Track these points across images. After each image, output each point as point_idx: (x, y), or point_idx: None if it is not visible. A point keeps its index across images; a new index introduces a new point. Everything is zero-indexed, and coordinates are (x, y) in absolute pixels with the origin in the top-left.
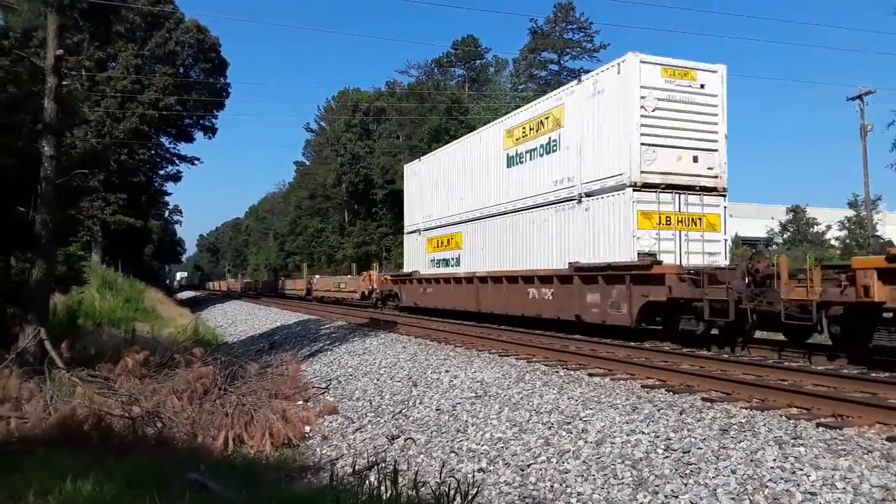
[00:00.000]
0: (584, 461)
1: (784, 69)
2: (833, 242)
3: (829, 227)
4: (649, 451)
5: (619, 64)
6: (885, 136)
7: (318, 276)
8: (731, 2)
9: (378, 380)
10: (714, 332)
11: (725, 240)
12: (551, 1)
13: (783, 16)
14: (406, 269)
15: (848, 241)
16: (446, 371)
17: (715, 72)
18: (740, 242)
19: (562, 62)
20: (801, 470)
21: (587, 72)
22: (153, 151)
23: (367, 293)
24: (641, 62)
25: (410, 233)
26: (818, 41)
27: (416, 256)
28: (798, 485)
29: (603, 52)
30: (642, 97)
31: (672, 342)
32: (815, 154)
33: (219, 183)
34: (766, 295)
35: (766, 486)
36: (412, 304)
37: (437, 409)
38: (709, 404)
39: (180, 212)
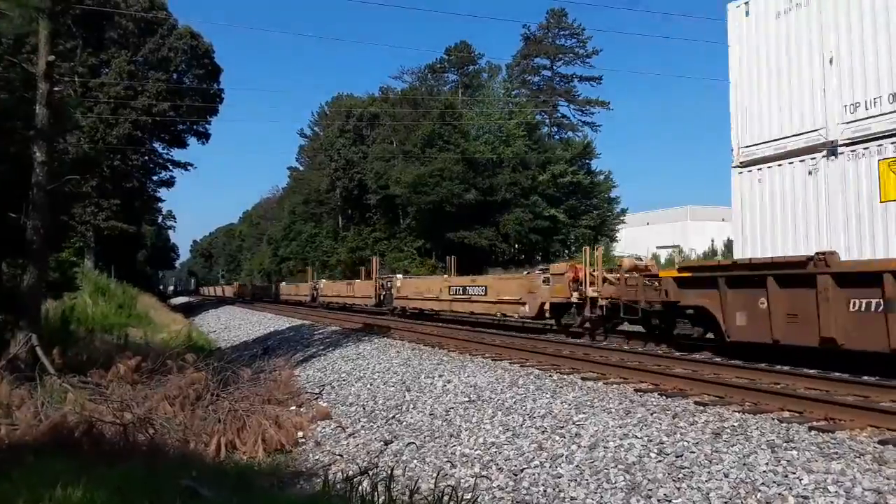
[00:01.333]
0: (577, 465)
1: None
2: None
3: None
4: (642, 456)
5: None
6: None
7: (400, 276)
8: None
9: (371, 385)
10: None
11: None
12: (544, 7)
13: None
14: (750, 248)
15: None
16: (440, 376)
17: None
18: (732, 246)
19: (554, 68)
20: (794, 473)
21: (580, 77)
22: (146, 157)
23: (546, 307)
24: None
25: (771, 160)
26: None
27: (811, 213)
28: (790, 488)
29: (595, 57)
30: None
31: None
32: None
33: (212, 188)
34: None
35: (759, 490)
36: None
37: (430, 414)
38: (702, 408)
39: (174, 217)
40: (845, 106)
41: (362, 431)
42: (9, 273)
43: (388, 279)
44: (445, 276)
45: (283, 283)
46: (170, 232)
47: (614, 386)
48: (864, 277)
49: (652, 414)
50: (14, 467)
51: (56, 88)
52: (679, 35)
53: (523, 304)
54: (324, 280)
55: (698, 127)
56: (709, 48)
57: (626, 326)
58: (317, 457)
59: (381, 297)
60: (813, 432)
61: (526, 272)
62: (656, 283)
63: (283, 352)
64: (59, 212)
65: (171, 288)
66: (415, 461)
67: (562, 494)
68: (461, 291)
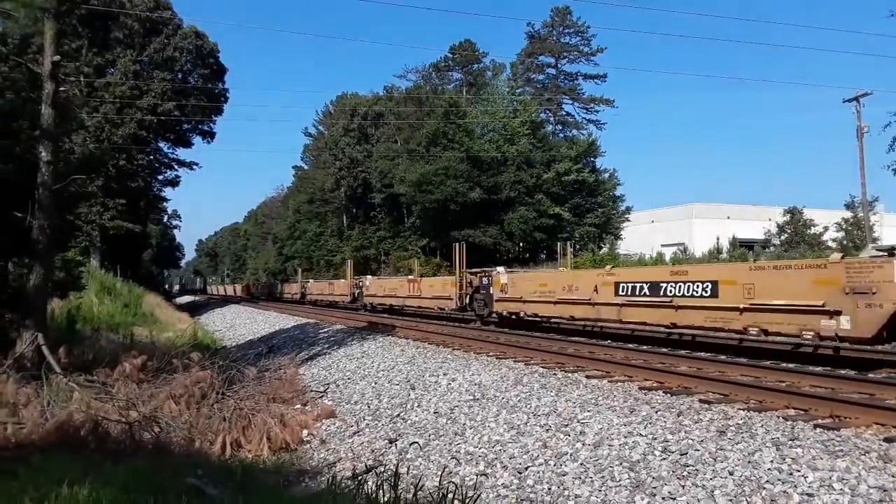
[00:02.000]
0: (581, 463)
1: (781, 71)
2: (830, 244)
3: (826, 229)
4: (647, 453)
5: None
6: (881, 137)
7: (501, 268)
8: (727, 4)
9: (376, 383)
10: None
11: None
12: (548, 5)
13: (780, 18)
14: None
15: (845, 242)
16: (444, 374)
17: None
18: (738, 244)
19: (559, 66)
20: (799, 471)
21: (585, 75)
22: (152, 157)
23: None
24: None
25: None
26: (813, 43)
27: None
28: (795, 486)
29: (600, 55)
30: None
31: None
32: (811, 155)
33: (218, 188)
34: None
35: (764, 488)
36: None
37: (434, 413)
38: (706, 406)
39: (179, 217)
40: None
41: (367, 430)
42: (15, 272)
43: (485, 274)
44: (608, 267)
45: (311, 281)
46: (175, 231)
47: (619, 384)
48: None
49: (657, 412)
50: (21, 465)
51: (61, 88)
52: (684, 32)
53: (831, 314)
54: (370, 277)
55: (703, 124)
56: (714, 45)
57: None
58: (322, 455)
59: (468, 298)
60: (818, 430)
61: (840, 255)
62: None
63: (288, 350)
64: (64, 211)
65: (177, 287)
66: (420, 459)
67: (566, 492)
68: (647, 291)
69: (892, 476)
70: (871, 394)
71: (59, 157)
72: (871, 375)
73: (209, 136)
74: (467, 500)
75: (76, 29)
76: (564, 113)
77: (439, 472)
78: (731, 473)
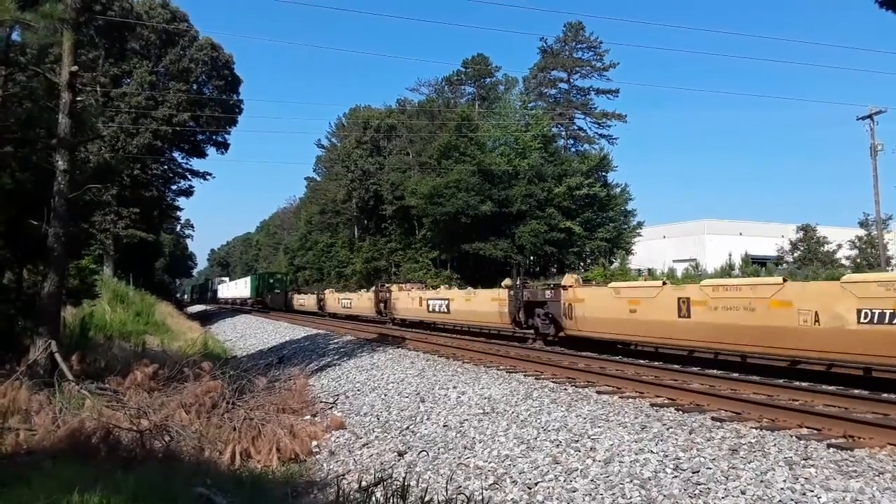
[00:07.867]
0: (592, 480)
1: (795, 87)
2: (844, 262)
3: (839, 247)
4: (658, 471)
5: None
6: (895, 155)
7: None
8: (741, 21)
9: (386, 395)
10: None
11: None
12: (561, 20)
13: (794, 35)
14: None
15: (859, 260)
16: (454, 387)
17: None
18: (750, 261)
19: (571, 81)
20: (812, 491)
21: (597, 90)
22: (166, 166)
23: None
24: None
25: None
26: (827, 60)
27: None
28: None
29: (612, 70)
30: None
31: None
32: (825, 173)
33: (230, 198)
34: None
35: None
36: None
37: (444, 426)
38: (718, 424)
39: (192, 226)
40: None
41: (376, 442)
42: (29, 280)
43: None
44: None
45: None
46: (188, 241)
47: (630, 400)
48: None
49: (668, 429)
50: (32, 472)
51: (78, 98)
52: (696, 48)
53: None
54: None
55: (715, 140)
56: (727, 61)
57: None
58: (331, 466)
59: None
60: (831, 450)
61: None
62: None
63: (297, 361)
64: (79, 220)
65: (187, 297)
66: (429, 472)
67: None
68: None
69: None
70: (886, 414)
71: (75, 165)
72: (885, 395)
73: (223, 146)
74: None
75: (93, 40)
76: (576, 127)
77: (448, 486)
78: (743, 493)
